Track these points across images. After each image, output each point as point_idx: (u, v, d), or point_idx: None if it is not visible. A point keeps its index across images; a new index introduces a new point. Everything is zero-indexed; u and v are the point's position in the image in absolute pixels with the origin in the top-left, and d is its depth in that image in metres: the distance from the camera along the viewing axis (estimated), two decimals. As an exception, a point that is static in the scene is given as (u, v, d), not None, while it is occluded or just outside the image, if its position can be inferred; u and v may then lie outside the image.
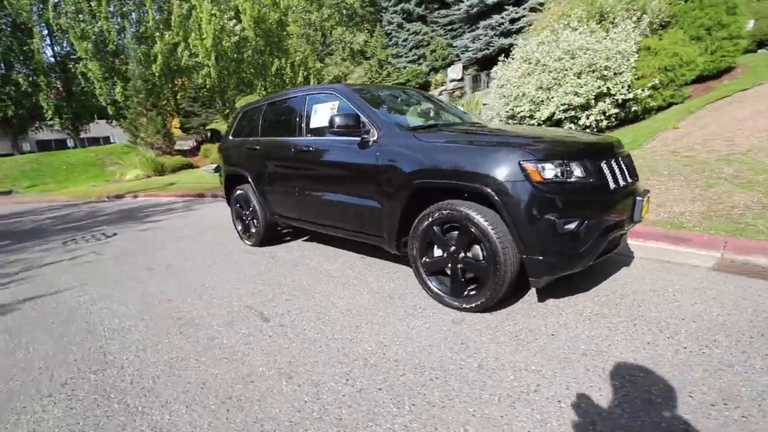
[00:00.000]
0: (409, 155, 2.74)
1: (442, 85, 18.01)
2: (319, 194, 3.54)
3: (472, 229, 2.41)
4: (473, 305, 2.51)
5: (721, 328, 2.14)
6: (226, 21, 19.62)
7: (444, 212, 2.54)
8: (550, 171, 2.25)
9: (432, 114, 3.90)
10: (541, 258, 2.26)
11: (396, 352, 2.20)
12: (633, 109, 7.76)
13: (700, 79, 8.65)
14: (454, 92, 16.78)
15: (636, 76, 7.59)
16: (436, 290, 2.72)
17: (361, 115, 3.04)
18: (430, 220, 2.63)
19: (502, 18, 16.05)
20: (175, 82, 22.60)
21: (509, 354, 2.09)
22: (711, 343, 2.02)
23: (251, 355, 2.30)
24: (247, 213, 4.63)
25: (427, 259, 2.77)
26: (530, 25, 13.17)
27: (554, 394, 1.76)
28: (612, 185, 2.42)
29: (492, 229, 2.33)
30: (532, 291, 2.78)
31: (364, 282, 3.25)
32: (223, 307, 3.00)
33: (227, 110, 20.33)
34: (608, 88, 7.38)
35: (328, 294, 3.08)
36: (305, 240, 4.73)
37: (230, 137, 4.87)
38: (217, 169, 11.05)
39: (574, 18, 8.69)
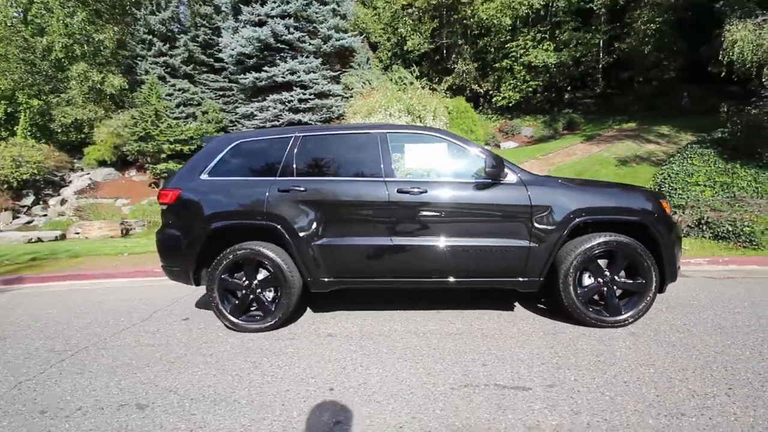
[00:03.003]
0: (561, 195, 3.12)
1: (229, 149, 17.06)
2: (438, 242, 3.15)
3: (638, 253, 3.04)
4: (629, 317, 3.08)
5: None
6: None
7: (608, 241, 3.06)
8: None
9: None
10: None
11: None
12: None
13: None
14: (248, 157, 16.22)
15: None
16: (593, 315, 3.10)
17: (496, 159, 3.15)
18: (593, 250, 3.06)
19: (291, 96, 17.38)
20: None
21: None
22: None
23: None
24: (257, 283, 3.26)
25: (582, 289, 3.12)
26: (342, 114, 15.03)
27: None
28: None
29: (647, 254, 3.05)
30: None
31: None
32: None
33: None
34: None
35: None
36: (318, 311, 3.73)
37: (202, 176, 3.37)
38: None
39: (395, 110, 10.90)
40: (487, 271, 3.19)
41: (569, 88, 19.31)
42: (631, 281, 3.13)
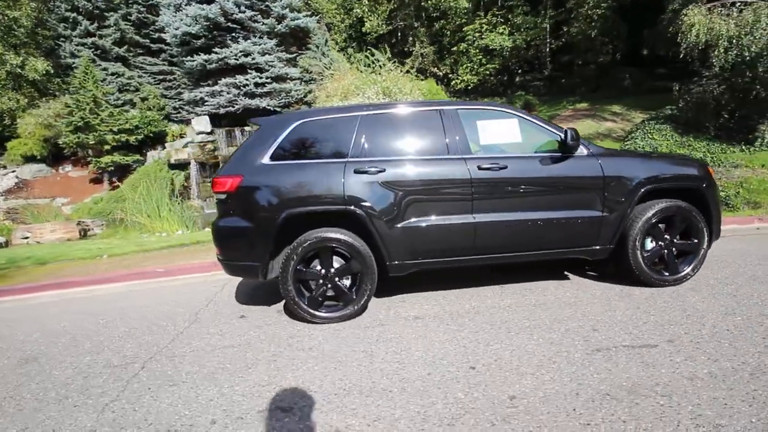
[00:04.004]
0: (629, 166, 3.31)
1: (181, 137, 15.71)
2: (511, 217, 3.19)
3: (693, 216, 3.32)
4: (687, 274, 3.38)
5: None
6: None
7: (669, 207, 3.30)
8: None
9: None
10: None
11: None
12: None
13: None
14: (205, 146, 15.04)
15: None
16: (657, 276, 3.36)
17: (574, 132, 3.23)
18: (657, 216, 3.29)
19: (247, 80, 16.30)
20: None
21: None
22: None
23: None
24: (334, 271, 3.09)
25: (646, 253, 3.35)
26: (310, 92, 14.46)
27: None
28: None
29: (700, 216, 3.34)
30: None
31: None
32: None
33: None
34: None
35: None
36: (384, 295, 3.63)
37: (264, 160, 3.08)
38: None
39: (372, 93, 10.70)
40: (564, 241, 3.31)
41: (520, 71, 20.22)
42: (687, 242, 3.42)
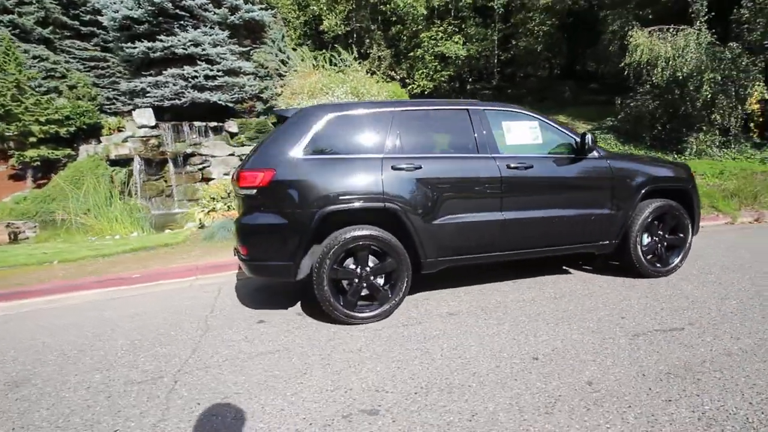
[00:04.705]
0: (634, 168, 3.63)
1: (119, 131, 14.26)
2: (534, 215, 3.35)
3: (681, 214, 3.73)
4: (676, 265, 3.80)
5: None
6: None
7: (663, 205, 3.68)
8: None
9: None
10: None
11: None
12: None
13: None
14: (148, 140, 13.80)
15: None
16: (652, 267, 3.72)
17: (593, 135, 3.48)
18: (653, 213, 3.65)
19: (196, 72, 15.26)
20: None
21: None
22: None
23: None
24: (368, 270, 3.02)
25: (644, 247, 3.71)
26: (266, 89, 13.86)
27: None
28: None
29: (686, 213, 3.77)
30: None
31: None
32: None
33: None
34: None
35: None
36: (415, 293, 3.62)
37: (297, 154, 2.93)
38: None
39: (341, 93, 10.58)
40: (581, 237, 3.55)
41: (471, 79, 21.17)
42: (676, 237, 3.83)
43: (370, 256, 3.08)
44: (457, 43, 17.72)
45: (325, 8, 17.93)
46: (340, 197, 2.92)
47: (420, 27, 18.03)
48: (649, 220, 3.66)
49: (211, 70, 15.62)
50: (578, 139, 3.46)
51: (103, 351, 2.87)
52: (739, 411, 1.82)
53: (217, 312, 3.53)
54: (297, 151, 2.95)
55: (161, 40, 14.52)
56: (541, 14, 16.34)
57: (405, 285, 3.09)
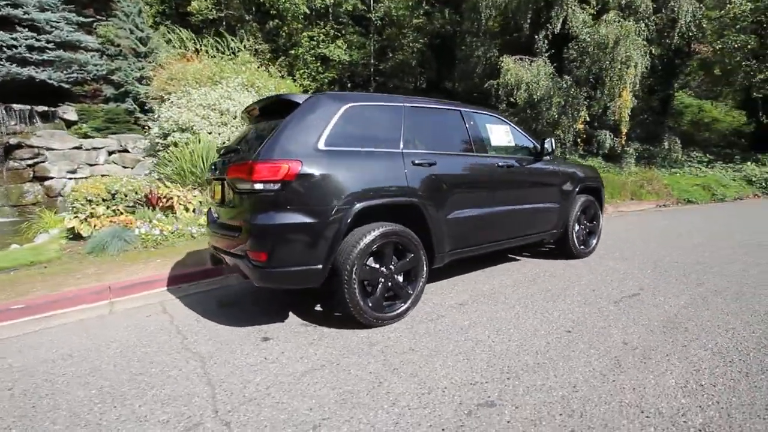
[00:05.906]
0: (570, 170, 4.41)
1: None
2: (515, 208, 3.78)
3: (595, 204, 4.70)
4: (594, 247, 4.77)
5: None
6: None
7: (587, 200, 4.57)
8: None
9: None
10: None
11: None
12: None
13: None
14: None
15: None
16: (581, 249, 4.59)
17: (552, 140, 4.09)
18: (583, 205, 4.51)
19: (15, 40, 11.66)
20: None
21: None
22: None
23: None
24: (392, 268, 2.93)
25: (576, 234, 4.54)
26: (118, 69, 11.39)
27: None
28: None
29: (598, 204, 4.78)
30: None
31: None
32: None
33: None
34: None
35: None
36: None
37: (320, 145, 2.65)
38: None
39: (236, 84, 9.60)
40: (542, 226, 4.12)
41: (350, 85, 21.68)
42: (592, 224, 4.79)
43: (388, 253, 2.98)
44: (340, 47, 17.95)
45: (193, -13, 15.89)
46: (374, 192, 2.76)
47: (300, 26, 17.65)
48: (578, 212, 4.50)
49: (38, 41, 12.34)
50: (538, 144, 4.05)
51: (75, 404, 2.05)
52: (731, 343, 2.47)
53: (192, 337, 2.87)
54: (320, 142, 2.65)
55: (-45, -10, 10.84)
56: (413, 32, 17.93)
57: (423, 281, 3.09)
